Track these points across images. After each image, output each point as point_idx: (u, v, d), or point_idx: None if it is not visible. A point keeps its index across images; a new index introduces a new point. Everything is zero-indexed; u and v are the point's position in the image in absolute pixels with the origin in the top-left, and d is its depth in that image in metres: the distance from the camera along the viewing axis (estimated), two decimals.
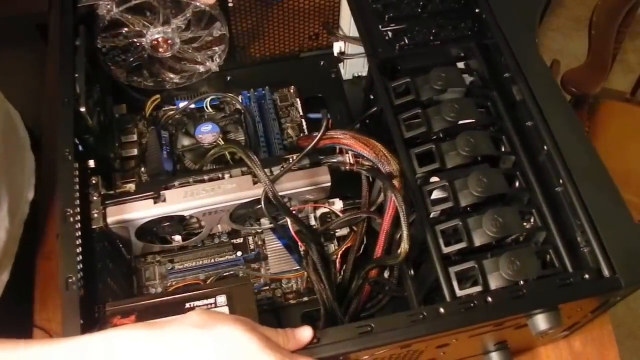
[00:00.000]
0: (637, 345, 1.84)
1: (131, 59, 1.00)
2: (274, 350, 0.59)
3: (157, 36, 0.95)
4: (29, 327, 0.91)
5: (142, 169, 0.97)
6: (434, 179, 0.79)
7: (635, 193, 1.45)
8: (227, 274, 0.91)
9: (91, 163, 0.82)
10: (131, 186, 0.85)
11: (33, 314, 0.92)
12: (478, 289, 0.70)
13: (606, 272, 0.69)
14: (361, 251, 0.90)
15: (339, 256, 0.89)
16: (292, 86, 1.10)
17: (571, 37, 2.47)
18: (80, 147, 0.81)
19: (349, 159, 0.87)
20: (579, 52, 1.78)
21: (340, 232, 0.93)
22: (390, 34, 0.90)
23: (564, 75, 1.61)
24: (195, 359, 0.58)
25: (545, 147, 0.78)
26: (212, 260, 0.92)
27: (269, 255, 0.92)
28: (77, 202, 0.74)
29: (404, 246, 0.75)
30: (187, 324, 0.60)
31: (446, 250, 0.73)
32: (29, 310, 0.93)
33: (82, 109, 0.81)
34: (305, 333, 0.64)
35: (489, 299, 0.67)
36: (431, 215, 0.76)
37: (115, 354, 0.58)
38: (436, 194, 0.78)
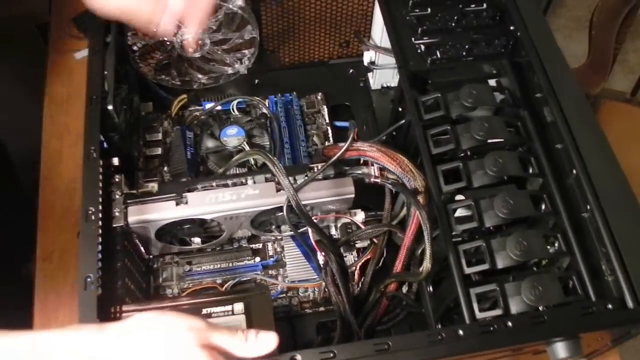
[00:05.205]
0: (637, 345, 1.81)
1: (160, 57, 1.00)
2: (206, 350, 0.58)
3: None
4: (28, 329, 0.91)
5: (165, 168, 0.97)
6: (459, 197, 0.78)
7: (635, 194, 1.44)
8: (244, 279, 0.91)
9: (115, 161, 0.82)
10: (154, 186, 0.85)
11: (33, 315, 0.91)
12: (498, 312, 0.69)
13: (630, 303, 0.68)
14: (380, 264, 0.90)
15: (357, 268, 0.89)
16: (320, 93, 1.10)
17: (571, 38, 2.44)
18: (105, 145, 0.81)
19: (374, 172, 0.86)
20: (579, 52, 1.76)
21: (361, 244, 0.92)
22: (422, 47, 0.89)
23: None
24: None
25: (574, 171, 0.77)
26: (230, 265, 0.92)
27: (287, 263, 0.92)
28: (100, 200, 0.74)
29: (426, 265, 0.75)
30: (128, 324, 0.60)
31: (468, 270, 0.72)
32: (28, 311, 0.92)
33: (110, 107, 0.81)
34: (267, 338, 0.62)
35: (509, 323, 0.66)
36: (454, 234, 0.75)
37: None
38: (460, 212, 0.77)
